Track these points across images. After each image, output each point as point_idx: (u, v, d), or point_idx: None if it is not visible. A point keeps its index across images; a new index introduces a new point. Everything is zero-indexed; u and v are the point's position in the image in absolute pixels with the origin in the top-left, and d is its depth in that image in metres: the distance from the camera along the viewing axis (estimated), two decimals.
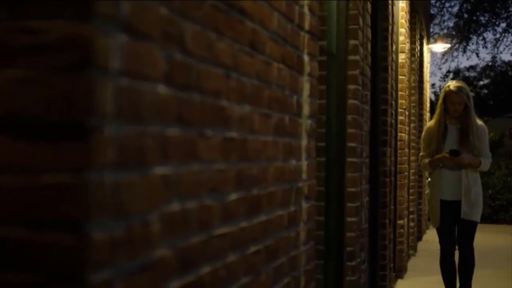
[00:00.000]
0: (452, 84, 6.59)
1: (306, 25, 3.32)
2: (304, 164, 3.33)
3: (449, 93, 6.49)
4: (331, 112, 4.97)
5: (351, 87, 5.19)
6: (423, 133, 6.90)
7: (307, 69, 3.34)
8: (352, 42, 5.20)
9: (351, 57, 5.21)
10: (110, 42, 1.37)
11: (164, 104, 1.73)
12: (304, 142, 3.32)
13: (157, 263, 1.66)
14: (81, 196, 1.29)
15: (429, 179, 6.86)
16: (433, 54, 15.56)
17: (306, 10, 3.31)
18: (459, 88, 6.48)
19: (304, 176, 3.33)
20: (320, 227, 4.84)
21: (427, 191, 6.80)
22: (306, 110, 3.34)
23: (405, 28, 8.87)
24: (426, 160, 6.61)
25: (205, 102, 2.05)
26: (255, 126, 2.56)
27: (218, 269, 2.18)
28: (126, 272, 1.46)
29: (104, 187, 1.36)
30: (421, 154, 6.81)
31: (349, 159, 5.18)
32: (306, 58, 3.31)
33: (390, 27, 7.25)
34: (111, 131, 1.38)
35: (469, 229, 6.53)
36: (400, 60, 8.62)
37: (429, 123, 6.86)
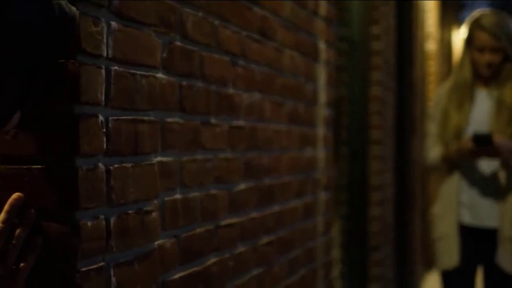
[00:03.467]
0: (481, 16, 3.70)
1: (322, 12, 3.31)
2: (321, 153, 3.33)
3: (475, 32, 3.66)
4: (354, 102, 4.96)
5: (375, 75, 5.18)
6: (433, 104, 3.95)
7: (323, 56, 3.33)
8: (375, 29, 5.18)
9: (374, 45, 5.19)
10: (100, 29, 1.39)
11: (164, 91, 1.75)
12: (321, 131, 3.32)
13: (157, 252, 1.68)
14: (70, 183, 1.31)
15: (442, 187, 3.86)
16: None
17: None
18: (493, 23, 3.62)
19: (321, 166, 3.33)
20: (343, 219, 4.84)
21: (434, 209, 3.95)
22: (323, 98, 3.34)
23: (433, 15, 8.82)
24: (437, 153, 3.75)
25: (209, 89, 2.06)
26: (266, 114, 2.57)
27: (226, 259, 2.19)
28: (121, 260, 1.47)
29: (95, 175, 1.37)
30: (428, 142, 3.85)
31: (373, 150, 5.16)
32: (322, 45, 3.31)
33: (416, 14, 7.21)
34: (103, 117, 1.40)
35: (506, 282, 3.67)
36: (428, 48, 8.56)
37: (442, 85, 4.07)
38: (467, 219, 3.68)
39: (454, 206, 3.69)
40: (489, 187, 3.65)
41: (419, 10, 7.41)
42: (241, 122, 2.32)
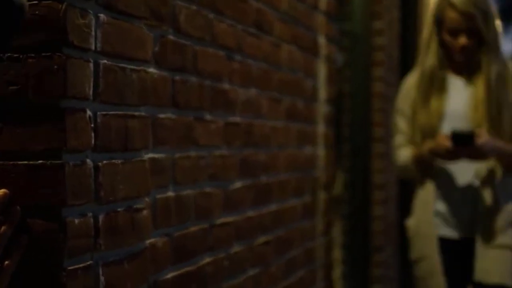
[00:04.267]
0: None
1: (322, 5, 3.31)
2: (321, 151, 3.33)
3: (445, 10, 3.13)
4: (355, 98, 4.96)
5: (377, 71, 5.18)
6: (400, 96, 3.35)
7: (323, 51, 3.33)
8: (377, 23, 5.18)
9: (377, 40, 5.19)
10: (88, 21, 1.39)
11: (155, 86, 1.75)
12: (321, 128, 3.32)
13: (148, 251, 1.68)
14: (57, 179, 1.31)
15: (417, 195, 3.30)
16: None
17: None
18: None
19: (321, 164, 3.33)
20: (344, 218, 4.85)
21: (408, 221, 3.35)
22: (323, 94, 3.34)
23: None
24: (407, 153, 3.23)
25: (204, 84, 2.06)
26: (262, 110, 2.57)
27: (220, 259, 2.19)
28: (110, 259, 1.48)
29: (83, 171, 1.38)
30: (397, 140, 3.31)
31: (375, 148, 5.17)
32: (322, 40, 3.31)
33: (422, 7, 7.21)
34: (91, 112, 1.40)
35: None
36: None
37: (410, 77, 3.37)
38: (446, 232, 3.17)
39: (431, 218, 3.17)
40: (469, 194, 3.14)
41: (424, 3, 7.40)
42: (237, 118, 2.32)
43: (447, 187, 3.17)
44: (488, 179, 3.11)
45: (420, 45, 3.29)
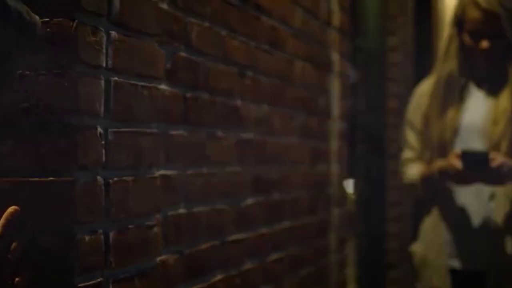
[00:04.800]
0: None
1: (335, 22, 3.32)
2: (334, 168, 3.33)
3: (467, 9, 2.73)
4: (371, 114, 4.95)
5: (392, 87, 5.17)
6: (411, 107, 2.95)
7: (337, 68, 3.34)
8: (391, 40, 5.18)
9: (392, 56, 5.19)
10: (100, 38, 1.40)
11: (167, 103, 1.76)
12: (334, 145, 3.32)
13: (159, 269, 1.68)
14: (67, 196, 1.32)
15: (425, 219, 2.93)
16: None
17: (335, 6, 3.31)
18: None
19: (334, 181, 3.33)
20: (358, 235, 4.83)
21: (414, 246, 3.03)
22: (336, 111, 3.34)
23: None
24: (415, 171, 2.85)
25: (216, 101, 2.07)
26: (275, 127, 2.57)
27: (232, 276, 2.19)
28: (121, 276, 1.48)
29: (93, 188, 1.38)
30: (405, 154, 2.93)
31: (390, 165, 5.15)
32: (335, 56, 3.31)
33: (437, 24, 7.20)
34: (101, 129, 1.41)
35: None
36: None
37: (422, 84, 2.98)
38: (455, 262, 2.77)
39: (440, 247, 2.78)
40: (483, 222, 2.72)
41: (439, 20, 7.40)
42: (249, 135, 2.33)
43: (457, 213, 2.75)
44: (505, 207, 2.71)
45: (439, 49, 2.92)
